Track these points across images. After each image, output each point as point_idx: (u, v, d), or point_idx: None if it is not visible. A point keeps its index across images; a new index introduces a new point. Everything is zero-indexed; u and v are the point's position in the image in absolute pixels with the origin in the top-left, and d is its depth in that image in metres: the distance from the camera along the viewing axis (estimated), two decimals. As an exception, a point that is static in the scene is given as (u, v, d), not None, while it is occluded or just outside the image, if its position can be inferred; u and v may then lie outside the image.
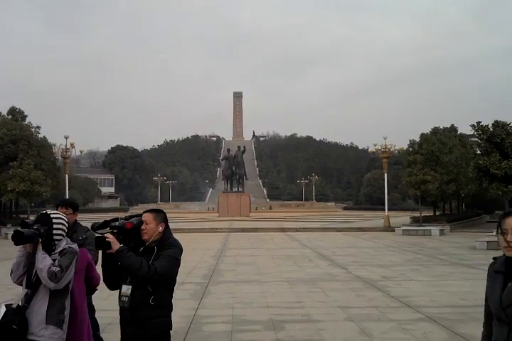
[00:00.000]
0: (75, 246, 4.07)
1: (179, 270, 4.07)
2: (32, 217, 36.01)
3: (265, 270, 14.97)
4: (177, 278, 4.09)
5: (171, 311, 4.01)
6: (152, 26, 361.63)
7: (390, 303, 9.83)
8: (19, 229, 3.90)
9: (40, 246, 3.90)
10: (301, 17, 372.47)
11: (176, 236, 4.20)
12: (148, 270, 3.77)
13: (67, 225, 4.14)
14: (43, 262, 3.82)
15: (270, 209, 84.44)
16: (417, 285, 12.12)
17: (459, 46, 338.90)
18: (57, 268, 3.81)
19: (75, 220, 5.53)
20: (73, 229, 5.33)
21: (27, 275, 3.93)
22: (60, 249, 3.98)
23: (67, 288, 3.93)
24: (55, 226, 4.02)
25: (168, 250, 3.92)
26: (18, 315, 3.81)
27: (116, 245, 3.82)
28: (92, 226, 4.15)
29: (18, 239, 3.85)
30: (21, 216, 39.86)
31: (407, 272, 14.37)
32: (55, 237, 4.02)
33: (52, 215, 4.06)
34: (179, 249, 4.01)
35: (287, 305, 9.75)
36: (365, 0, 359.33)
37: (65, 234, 4.09)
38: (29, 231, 3.89)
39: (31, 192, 34.67)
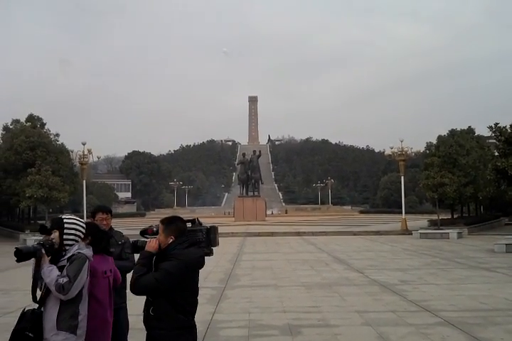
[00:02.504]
0: (86, 251, 4.01)
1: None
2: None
3: (282, 274, 14.95)
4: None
5: (174, 325, 3.81)
6: (165, 32, 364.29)
7: (407, 307, 9.76)
8: (19, 246, 3.93)
9: (45, 260, 3.90)
10: (313, 20, 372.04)
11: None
12: (133, 280, 3.81)
13: (82, 230, 4.09)
14: (50, 276, 3.82)
15: (286, 213, 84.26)
16: (435, 289, 12.02)
17: (474, 47, 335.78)
18: (65, 279, 3.79)
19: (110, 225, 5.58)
20: (110, 234, 5.33)
21: (31, 291, 3.94)
22: (70, 254, 3.94)
23: (81, 294, 3.91)
24: (66, 231, 4.00)
25: (166, 262, 3.81)
26: (31, 321, 3.86)
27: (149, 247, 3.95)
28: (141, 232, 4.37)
29: (18, 256, 3.88)
30: (39, 222, 40.28)
31: (425, 276, 14.25)
32: (66, 242, 3.99)
33: (65, 220, 4.06)
34: (180, 262, 3.79)
35: (304, 309, 9.73)
36: (378, 3, 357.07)
37: (78, 239, 4.05)
38: (29, 247, 3.93)
39: (49, 198, 35.05)
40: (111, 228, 5.54)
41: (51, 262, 3.93)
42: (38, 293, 3.98)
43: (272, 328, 8.22)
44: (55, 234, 3.99)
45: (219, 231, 4.26)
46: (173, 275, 3.77)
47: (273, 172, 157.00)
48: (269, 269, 16.14)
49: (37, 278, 3.91)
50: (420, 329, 7.94)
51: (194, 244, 3.96)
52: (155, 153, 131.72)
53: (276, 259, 19.26)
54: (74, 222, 4.08)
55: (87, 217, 34.72)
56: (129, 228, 23.53)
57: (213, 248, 4.08)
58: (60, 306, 3.86)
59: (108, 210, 5.54)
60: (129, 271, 5.47)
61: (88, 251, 4.03)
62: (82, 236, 4.11)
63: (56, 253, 3.96)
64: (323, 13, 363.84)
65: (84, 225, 4.15)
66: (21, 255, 3.87)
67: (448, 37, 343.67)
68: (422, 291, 11.64)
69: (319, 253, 21.50)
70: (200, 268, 4.02)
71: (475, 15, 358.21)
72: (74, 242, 4.02)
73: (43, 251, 3.90)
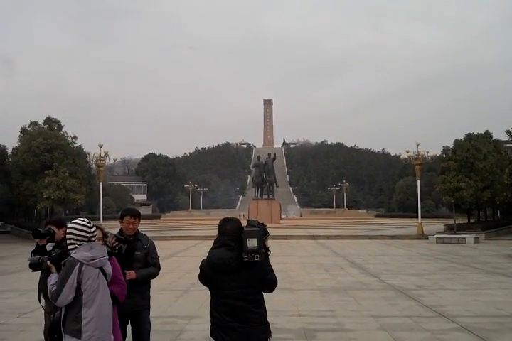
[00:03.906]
0: (80, 254, 3.99)
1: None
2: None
3: (296, 278, 14.93)
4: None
5: (211, 320, 4.10)
6: (181, 35, 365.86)
7: (423, 313, 9.70)
8: (28, 258, 4.15)
9: (52, 270, 4.08)
10: (326, 24, 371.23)
11: (208, 243, 4.25)
12: None
13: (80, 233, 4.10)
14: (48, 285, 3.99)
15: (301, 216, 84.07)
16: (451, 294, 11.92)
17: (490, 50, 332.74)
18: (54, 287, 3.91)
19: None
20: (137, 237, 5.41)
21: (37, 298, 4.24)
22: (65, 259, 4.02)
23: (79, 300, 3.94)
24: (67, 236, 4.12)
25: None
26: (57, 323, 4.04)
27: None
28: None
29: (30, 267, 4.12)
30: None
31: (441, 281, 14.14)
32: (69, 246, 4.09)
33: (68, 225, 4.17)
34: (205, 260, 4.13)
35: (319, 313, 9.72)
36: (391, 6, 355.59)
37: (76, 243, 4.07)
38: (35, 259, 4.14)
39: (66, 199, 35.44)
40: (137, 232, 5.54)
41: (59, 269, 4.07)
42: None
43: (286, 332, 8.21)
44: (61, 231, 4.29)
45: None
46: (201, 271, 4.12)
47: (288, 176, 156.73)
48: (284, 272, 16.10)
49: (40, 289, 4.16)
50: (436, 335, 7.89)
51: (224, 245, 4.02)
52: (171, 155, 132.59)
53: (291, 263, 19.23)
54: (72, 227, 4.12)
55: (103, 219, 35.06)
56: (144, 230, 23.60)
57: (254, 255, 3.91)
58: (65, 311, 3.97)
59: (136, 214, 5.50)
60: (154, 277, 5.54)
61: (84, 254, 3.99)
62: (81, 239, 4.09)
63: (65, 256, 4.08)
64: (336, 17, 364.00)
65: (83, 228, 4.13)
66: (30, 266, 4.09)
67: (463, 40, 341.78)
68: (438, 296, 11.55)
69: (334, 257, 21.43)
70: (227, 272, 3.96)
71: (490, 17, 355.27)
72: (74, 246, 4.06)
73: (49, 263, 4.07)
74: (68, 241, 4.08)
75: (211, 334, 4.05)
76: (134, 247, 5.30)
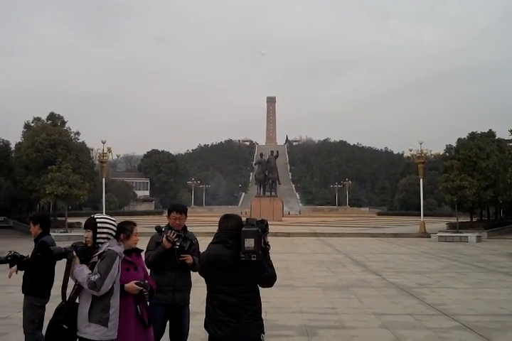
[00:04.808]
0: (116, 247, 4.19)
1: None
2: (69, 220, 36.87)
3: (298, 275, 14.95)
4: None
5: (206, 312, 4.13)
6: (184, 33, 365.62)
7: (425, 311, 9.70)
8: (51, 247, 4.18)
9: (76, 261, 4.13)
10: (330, 22, 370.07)
11: (210, 239, 4.23)
12: None
13: (114, 228, 4.33)
14: (81, 275, 4.03)
15: (299, 213, 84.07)
16: (453, 292, 11.92)
17: (493, 49, 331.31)
18: (97, 276, 3.99)
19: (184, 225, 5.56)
20: (184, 234, 5.38)
21: (61, 290, 4.19)
22: (101, 251, 4.13)
23: (112, 289, 4.11)
24: (99, 230, 4.22)
25: None
26: (66, 314, 4.10)
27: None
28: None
29: (55, 257, 4.22)
30: (59, 219, 40.80)
31: (443, 279, 14.14)
32: (98, 240, 4.21)
33: (97, 220, 4.28)
34: (203, 254, 4.24)
35: (320, 310, 9.73)
36: (396, 5, 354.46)
37: (110, 237, 4.27)
38: (60, 248, 4.22)
39: (69, 195, 35.53)
40: (185, 227, 5.51)
41: (83, 262, 4.14)
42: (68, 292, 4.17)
43: (288, 329, 8.23)
44: (89, 234, 4.21)
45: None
46: (200, 263, 4.18)
47: (290, 173, 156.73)
48: (286, 269, 16.12)
49: (67, 278, 4.14)
50: (438, 333, 7.89)
51: (222, 242, 4.04)
52: (173, 152, 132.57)
53: (293, 260, 19.25)
54: (106, 221, 4.29)
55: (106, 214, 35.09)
56: (146, 226, 23.67)
57: (251, 255, 3.87)
58: (93, 300, 4.07)
59: (182, 210, 5.45)
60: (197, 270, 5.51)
61: (118, 248, 4.20)
62: (114, 233, 4.33)
63: (89, 252, 4.17)
64: (339, 16, 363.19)
65: (115, 223, 4.38)
66: (52, 256, 4.07)
67: (467, 39, 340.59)
68: (440, 295, 11.55)
69: (336, 255, 21.44)
70: (223, 269, 3.98)
71: (493, 17, 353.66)
72: (106, 240, 4.23)
73: (74, 254, 4.14)
74: (102, 235, 4.21)
75: (205, 327, 4.09)
76: (191, 243, 5.28)
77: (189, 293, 5.45)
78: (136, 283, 4.29)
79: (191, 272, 5.37)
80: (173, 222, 5.38)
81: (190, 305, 5.50)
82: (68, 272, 4.12)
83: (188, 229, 5.58)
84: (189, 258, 5.13)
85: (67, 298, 4.22)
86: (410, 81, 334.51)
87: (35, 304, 5.58)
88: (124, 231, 4.51)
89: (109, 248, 4.14)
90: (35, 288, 5.59)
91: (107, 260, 4.06)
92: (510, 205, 41.98)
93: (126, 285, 4.28)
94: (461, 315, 9.24)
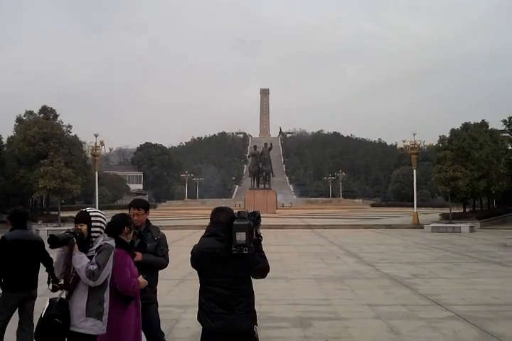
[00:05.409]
0: (111, 242, 4.27)
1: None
2: (62, 214, 36.73)
3: (292, 267, 14.98)
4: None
5: (199, 304, 4.15)
6: (176, 24, 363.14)
7: (418, 301, 9.75)
8: (54, 233, 4.15)
9: (76, 247, 4.13)
10: (324, 14, 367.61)
11: (201, 233, 4.23)
12: None
13: (105, 222, 4.39)
14: (80, 262, 4.06)
15: (290, 205, 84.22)
16: (447, 283, 11.98)
17: (486, 39, 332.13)
18: (95, 266, 4.04)
19: (147, 220, 5.51)
20: (147, 229, 5.39)
21: (64, 276, 4.18)
22: (97, 245, 4.20)
23: (106, 282, 4.15)
24: (93, 224, 4.27)
25: None
26: (60, 309, 4.06)
27: None
28: None
29: (53, 242, 4.09)
30: (52, 213, 40.65)
31: (437, 270, 14.20)
32: (93, 234, 4.27)
33: (90, 213, 4.33)
34: (195, 247, 4.20)
35: (315, 302, 9.76)
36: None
37: (102, 231, 4.33)
38: (63, 234, 4.14)
39: (62, 189, 35.34)
40: (147, 222, 5.47)
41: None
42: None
43: (282, 320, 8.25)
44: (83, 227, 4.24)
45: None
46: (192, 256, 4.14)
47: (284, 165, 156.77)
48: (280, 262, 16.13)
49: (69, 264, 4.13)
50: (431, 323, 7.93)
51: (214, 235, 4.04)
52: (166, 145, 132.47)
53: (287, 252, 19.29)
54: (98, 215, 4.36)
55: (99, 209, 34.99)
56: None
57: (243, 248, 3.87)
58: (89, 293, 4.09)
59: (140, 206, 5.41)
60: (162, 268, 5.50)
61: (113, 242, 4.29)
62: (105, 227, 4.39)
63: (84, 244, 4.21)
64: (334, 7, 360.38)
65: (105, 217, 4.43)
66: (56, 242, 4.05)
67: (459, 29, 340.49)
68: (434, 285, 11.61)
69: (330, 246, 21.49)
70: (215, 261, 3.97)
71: (486, 7, 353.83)
72: (99, 234, 4.30)
73: (75, 240, 4.15)
74: (97, 229, 4.29)
75: (198, 319, 4.09)
76: (145, 240, 5.27)
77: (154, 292, 5.43)
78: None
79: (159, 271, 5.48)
80: (132, 218, 5.36)
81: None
82: (70, 257, 4.11)
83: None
84: (138, 256, 5.06)
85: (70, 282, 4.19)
86: (403, 72, 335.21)
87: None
88: (128, 225, 4.60)
89: (105, 242, 4.22)
90: None
91: (105, 252, 4.13)
92: (502, 196, 42.22)
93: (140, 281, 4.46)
94: (455, 305, 9.29)
